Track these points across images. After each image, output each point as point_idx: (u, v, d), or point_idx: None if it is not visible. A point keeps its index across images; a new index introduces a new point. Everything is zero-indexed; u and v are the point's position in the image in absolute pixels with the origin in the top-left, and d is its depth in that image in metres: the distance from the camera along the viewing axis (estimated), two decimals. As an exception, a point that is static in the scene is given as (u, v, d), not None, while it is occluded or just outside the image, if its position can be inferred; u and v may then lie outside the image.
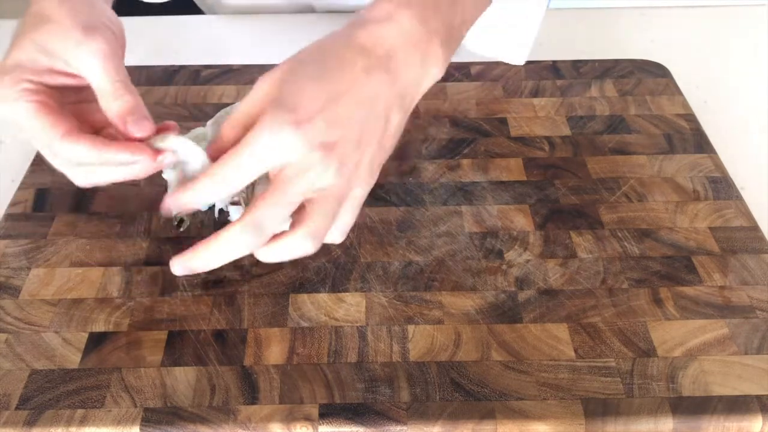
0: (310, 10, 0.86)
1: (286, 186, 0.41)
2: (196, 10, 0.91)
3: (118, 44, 0.46)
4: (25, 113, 0.44)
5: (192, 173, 0.50)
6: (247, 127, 0.42)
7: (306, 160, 0.41)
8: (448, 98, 0.70)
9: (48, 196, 0.60)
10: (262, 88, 0.43)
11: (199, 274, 0.53)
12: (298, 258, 0.44)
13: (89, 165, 0.45)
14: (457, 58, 0.74)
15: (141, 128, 0.44)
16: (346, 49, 0.44)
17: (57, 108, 0.45)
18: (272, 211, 0.42)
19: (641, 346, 0.49)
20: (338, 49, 0.44)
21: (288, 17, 0.85)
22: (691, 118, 0.68)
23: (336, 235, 0.45)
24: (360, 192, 0.44)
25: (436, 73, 0.46)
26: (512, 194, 0.60)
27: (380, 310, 0.51)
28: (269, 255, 0.43)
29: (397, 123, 0.45)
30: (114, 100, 0.45)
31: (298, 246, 0.43)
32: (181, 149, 0.46)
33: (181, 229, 0.56)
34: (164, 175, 0.52)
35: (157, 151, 0.45)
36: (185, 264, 0.43)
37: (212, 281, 0.53)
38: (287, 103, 0.41)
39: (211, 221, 0.58)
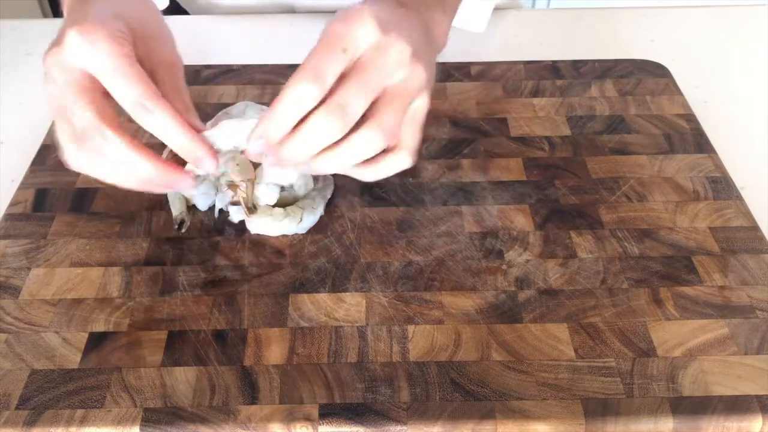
0: (290, 10, 0.86)
1: (367, 69, 0.43)
2: (179, 11, 0.91)
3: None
4: (116, 63, 0.44)
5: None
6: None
7: (383, 41, 0.43)
8: (448, 98, 0.70)
9: (48, 196, 0.60)
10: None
11: (199, 274, 0.54)
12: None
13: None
14: (456, 58, 0.75)
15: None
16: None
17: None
18: (356, 95, 0.43)
19: (641, 346, 0.49)
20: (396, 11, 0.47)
21: (284, 18, 0.85)
22: (691, 118, 0.68)
23: (406, 156, 0.47)
24: (423, 102, 0.46)
25: (441, 44, 0.52)
26: (512, 194, 0.60)
27: (380, 310, 0.51)
28: (345, 161, 0.45)
29: (434, 59, 0.49)
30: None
31: (371, 142, 0.44)
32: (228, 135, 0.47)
33: (183, 230, 0.57)
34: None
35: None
36: (277, 155, 0.45)
37: (212, 281, 0.53)
38: (357, 6, 0.44)
39: (211, 221, 0.58)
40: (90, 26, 0.44)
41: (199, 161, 0.46)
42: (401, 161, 0.47)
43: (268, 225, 0.56)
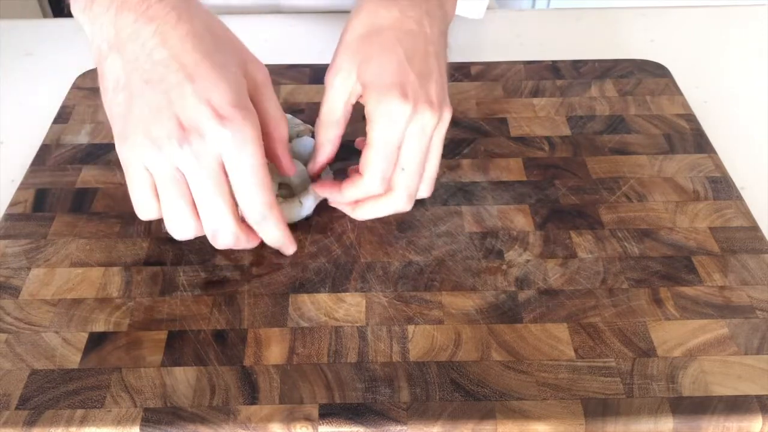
0: (277, 10, 0.86)
1: (414, 152, 0.51)
2: None
3: None
4: (254, 163, 0.46)
5: None
6: (342, 120, 0.52)
7: (422, 121, 0.49)
8: (448, 98, 0.70)
9: (48, 196, 0.60)
10: (337, 84, 0.51)
11: (199, 274, 0.54)
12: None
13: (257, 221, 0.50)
14: (455, 58, 0.75)
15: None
16: (387, 19, 0.51)
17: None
18: (417, 179, 0.52)
19: (641, 346, 0.49)
20: (381, 23, 0.51)
21: (283, 18, 0.85)
22: (691, 118, 0.68)
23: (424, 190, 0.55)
24: (444, 125, 0.53)
25: (451, 10, 0.57)
26: (512, 194, 0.60)
27: (380, 310, 0.51)
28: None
29: (447, 53, 0.54)
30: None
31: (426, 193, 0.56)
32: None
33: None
34: None
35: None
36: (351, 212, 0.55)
37: (212, 281, 0.53)
38: (383, 84, 0.48)
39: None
40: (237, 117, 0.44)
41: (286, 250, 0.53)
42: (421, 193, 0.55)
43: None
